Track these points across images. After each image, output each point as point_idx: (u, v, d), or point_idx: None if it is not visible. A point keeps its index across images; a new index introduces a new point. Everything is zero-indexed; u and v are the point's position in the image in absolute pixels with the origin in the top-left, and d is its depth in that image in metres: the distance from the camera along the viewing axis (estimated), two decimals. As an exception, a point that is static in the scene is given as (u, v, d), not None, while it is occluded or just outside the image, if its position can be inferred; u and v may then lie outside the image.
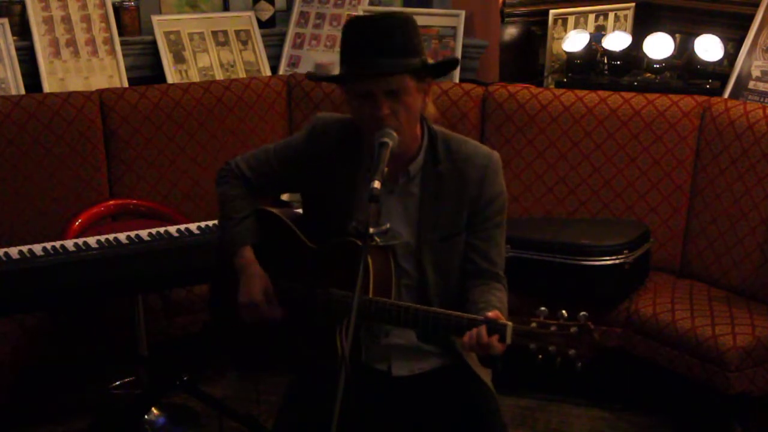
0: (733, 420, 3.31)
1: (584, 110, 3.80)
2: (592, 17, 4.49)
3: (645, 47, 4.10)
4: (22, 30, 3.97)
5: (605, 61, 4.20)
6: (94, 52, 4.07)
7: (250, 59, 4.37)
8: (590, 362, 1.99)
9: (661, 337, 3.31)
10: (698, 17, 4.29)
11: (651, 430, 3.49)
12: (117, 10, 4.14)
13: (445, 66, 2.30)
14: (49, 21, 3.99)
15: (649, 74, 4.12)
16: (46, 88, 3.90)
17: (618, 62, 4.16)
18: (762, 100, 3.87)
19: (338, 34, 4.40)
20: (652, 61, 4.09)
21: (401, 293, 2.29)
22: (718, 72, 4.03)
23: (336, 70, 3.92)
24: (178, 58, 4.22)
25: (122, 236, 3.04)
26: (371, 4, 4.45)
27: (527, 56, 4.48)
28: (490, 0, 4.33)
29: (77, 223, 3.49)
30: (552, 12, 4.39)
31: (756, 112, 3.52)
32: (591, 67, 4.20)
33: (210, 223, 3.16)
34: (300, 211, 2.50)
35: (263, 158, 2.45)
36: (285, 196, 3.72)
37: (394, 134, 2.15)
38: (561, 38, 4.35)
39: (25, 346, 3.22)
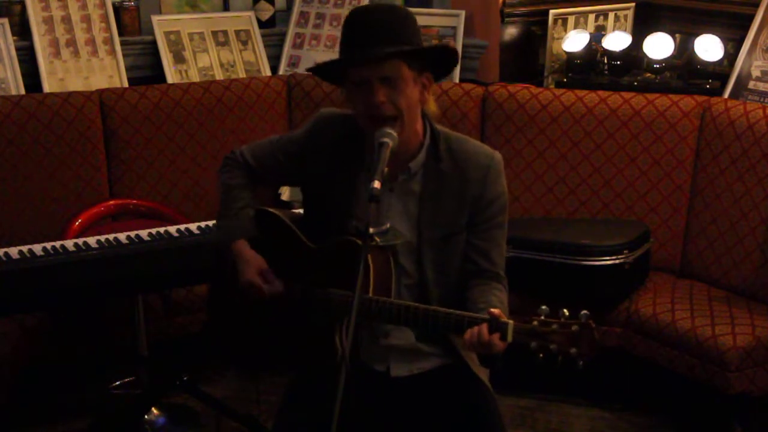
0: (733, 420, 3.31)
1: (584, 110, 3.80)
2: (592, 17, 4.49)
3: (645, 47, 4.10)
4: (22, 30, 3.97)
5: (605, 61, 4.20)
6: (94, 52, 4.07)
7: (250, 59, 4.37)
8: (591, 361, 1.99)
9: (661, 337, 3.31)
10: (698, 17, 4.29)
11: (651, 430, 3.49)
12: (117, 10, 4.14)
13: (440, 53, 2.28)
14: (49, 21, 3.99)
15: (649, 74, 4.12)
16: (46, 88, 3.90)
17: (618, 62, 4.16)
18: (762, 100, 3.87)
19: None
20: (652, 61, 4.09)
21: (401, 292, 2.29)
22: (718, 72, 4.03)
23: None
24: (178, 58, 4.22)
25: (122, 236, 3.04)
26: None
27: (527, 56, 4.48)
28: (490, 0, 4.33)
29: (77, 223, 3.49)
30: (552, 12, 4.39)
31: (756, 112, 3.52)
32: (591, 67, 4.20)
33: (210, 223, 3.15)
34: (300, 211, 2.50)
35: (268, 149, 2.46)
36: (285, 196, 3.72)
37: (394, 134, 2.15)
38: (561, 38, 4.35)
39: (25, 346, 3.22)
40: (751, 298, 3.44)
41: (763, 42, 3.97)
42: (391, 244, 2.26)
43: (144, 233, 3.07)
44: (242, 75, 4.28)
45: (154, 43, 4.19)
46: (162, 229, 3.13)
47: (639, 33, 4.30)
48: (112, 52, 4.09)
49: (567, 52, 4.25)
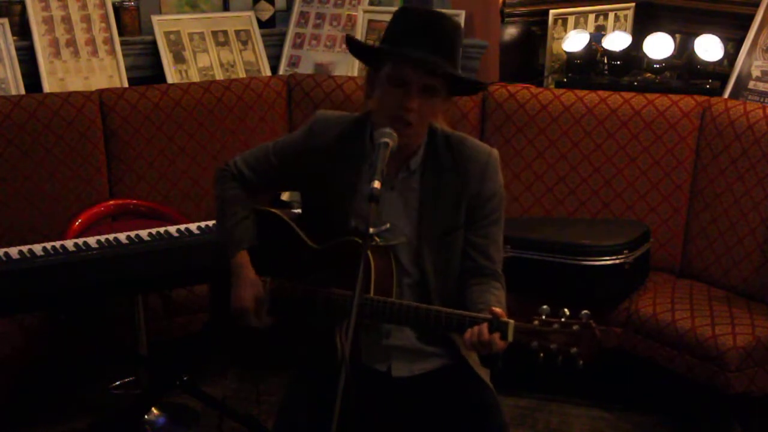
0: (733, 420, 3.31)
1: (584, 110, 3.80)
2: (592, 17, 4.49)
3: (645, 47, 4.10)
4: (22, 30, 3.97)
5: (605, 61, 4.20)
6: (94, 52, 4.06)
7: (250, 59, 4.37)
8: (592, 361, 1.99)
9: (661, 337, 3.31)
10: (698, 17, 4.29)
11: (651, 430, 3.49)
12: (117, 10, 4.14)
13: (475, 86, 2.38)
14: (49, 21, 3.99)
15: (649, 74, 4.12)
16: (46, 88, 3.90)
17: (618, 62, 4.16)
18: (762, 100, 3.87)
19: (338, 34, 4.40)
20: (652, 61, 4.09)
21: (402, 291, 2.29)
22: (718, 72, 4.03)
23: (337, 70, 3.92)
24: (178, 58, 4.22)
25: (122, 236, 3.04)
26: (371, 4, 4.45)
27: (527, 56, 4.48)
28: (490, 0, 4.33)
29: (77, 223, 3.49)
30: (552, 12, 4.39)
31: (756, 112, 3.52)
32: (591, 67, 4.20)
33: (210, 223, 3.15)
34: (299, 211, 2.49)
35: (262, 156, 2.45)
36: (285, 196, 3.72)
37: (394, 134, 2.16)
38: (561, 38, 4.35)
39: (25, 346, 3.22)
40: (751, 298, 3.44)
41: (763, 42, 3.98)
42: (391, 244, 2.27)
43: (144, 233, 3.07)
44: (242, 75, 4.28)
45: (154, 43, 4.19)
46: (162, 229, 3.12)
47: (639, 33, 4.30)
48: (112, 52, 4.09)
49: (567, 52, 4.25)
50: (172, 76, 4.15)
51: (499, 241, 2.35)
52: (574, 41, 4.22)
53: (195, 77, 4.21)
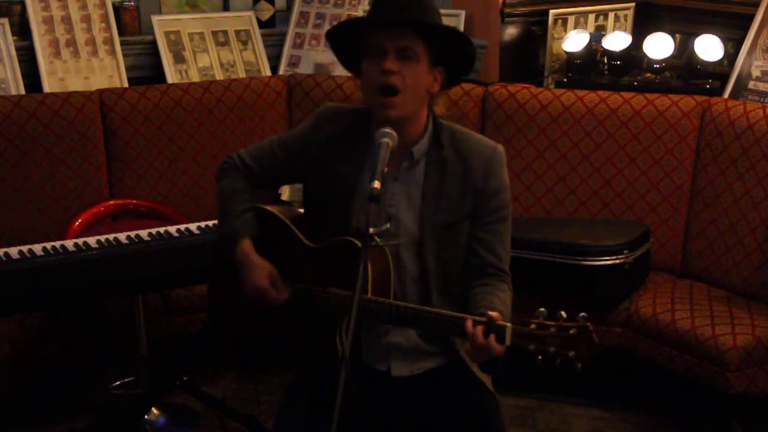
0: (733, 420, 3.31)
1: (584, 110, 3.80)
2: (592, 17, 4.49)
3: (645, 47, 4.10)
4: (22, 30, 3.97)
5: (605, 61, 4.20)
6: (94, 52, 4.07)
7: (250, 59, 4.37)
8: (590, 364, 1.98)
9: (661, 337, 3.31)
10: (698, 17, 4.29)
11: (651, 430, 3.49)
12: (117, 10, 4.14)
13: (457, 40, 2.28)
14: (49, 21, 3.99)
15: (649, 74, 4.12)
16: (46, 88, 3.90)
17: (618, 62, 4.16)
18: (762, 100, 3.87)
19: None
20: (652, 61, 4.09)
21: (403, 285, 2.28)
22: (718, 72, 4.03)
23: (337, 71, 3.92)
24: (178, 58, 4.22)
25: (122, 236, 3.04)
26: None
27: (527, 56, 4.48)
28: (490, 0, 4.33)
29: (77, 223, 3.49)
30: (552, 12, 4.39)
31: (756, 112, 3.52)
32: (591, 67, 4.20)
33: (210, 223, 3.15)
34: (301, 210, 2.49)
35: (267, 148, 2.45)
36: (285, 196, 3.72)
37: (394, 134, 2.16)
38: (561, 38, 4.35)
39: (25, 346, 3.22)
40: (751, 298, 3.44)
41: (763, 42, 3.97)
42: (391, 244, 2.26)
43: (144, 233, 3.07)
44: (242, 75, 4.28)
45: (154, 43, 4.19)
46: (162, 229, 3.12)
47: (639, 33, 4.30)
48: (112, 52, 4.09)
49: (567, 52, 4.25)
50: (172, 76, 4.16)
51: (506, 239, 2.34)
52: (574, 41, 4.22)
53: (195, 77, 4.21)
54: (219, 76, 4.27)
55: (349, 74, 2.40)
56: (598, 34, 4.32)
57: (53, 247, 2.94)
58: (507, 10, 4.35)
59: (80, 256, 2.90)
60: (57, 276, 2.85)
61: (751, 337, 3.16)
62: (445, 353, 2.34)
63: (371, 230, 2.13)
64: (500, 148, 2.33)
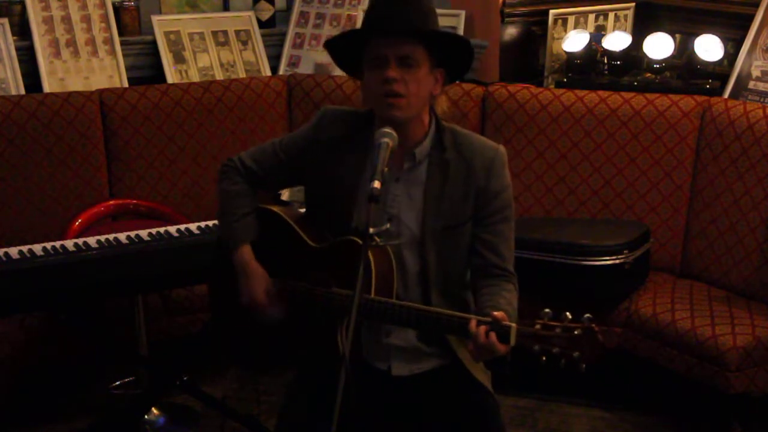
0: (733, 420, 3.31)
1: (584, 110, 3.80)
2: (592, 17, 4.49)
3: (645, 47, 4.10)
4: (22, 30, 3.97)
5: (605, 61, 4.20)
6: (94, 52, 4.07)
7: (250, 59, 4.37)
8: (595, 364, 1.98)
9: (661, 337, 3.31)
10: (698, 17, 4.29)
11: (651, 430, 3.49)
12: (117, 10, 4.15)
13: (457, 44, 2.29)
14: (49, 21, 3.99)
15: (649, 74, 4.12)
16: (46, 88, 3.90)
17: (618, 62, 4.16)
18: (762, 100, 3.87)
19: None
20: (652, 61, 4.09)
21: (405, 285, 2.28)
22: (718, 72, 4.03)
23: (337, 71, 3.94)
24: (178, 58, 4.22)
25: (122, 236, 3.04)
26: (371, 4, 4.45)
27: (527, 56, 4.48)
28: (490, 0, 4.33)
29: (77, 223, 3.49)
30: (552, 12, 4.39)
31: (756, 112, 3.52)
32: (591, 67, 4.20)
33: (210, 223, 3.16)
34: (302, 210, 2.49)
35: (269, 150, 2.45)
36: (285, 197, 3.72)
37: (394, 134, 2.16)
38: (561, 38, 4.35)
39: (25, 346, 3.22)
40: (751, 298, 3.44)
41: (763, 42, 3.97)
42: (392, 244, 2.26)
43: (144, 233, 3.07)
44: (242, 75, 4.29)
45: (154, 43, 4.19)
46: (162, 229, 3.13)
47: (639, 33, 4.30)
48: (112, 52, 4.09)
49: (567, 52, 4.25)
50: (172, 76, 4.16)
51: (510, 239, 2.34)
52: (574, 41, 4.22)
53: (195, 77, 4.21)
54: (219, 76, 4.27)
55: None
56: (598, 34, 4.32)
57: (53, 247, 2.94)
58: (507, 10, 4.35)
59: (80, 256, 2.90)
60: (57, 276, 2.85)
61: (751, 337, 3.16)
62: (446, 354, 2.34)
63: (371, 230, 2.13)
64: (502, 149, 2.34)
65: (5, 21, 3.87)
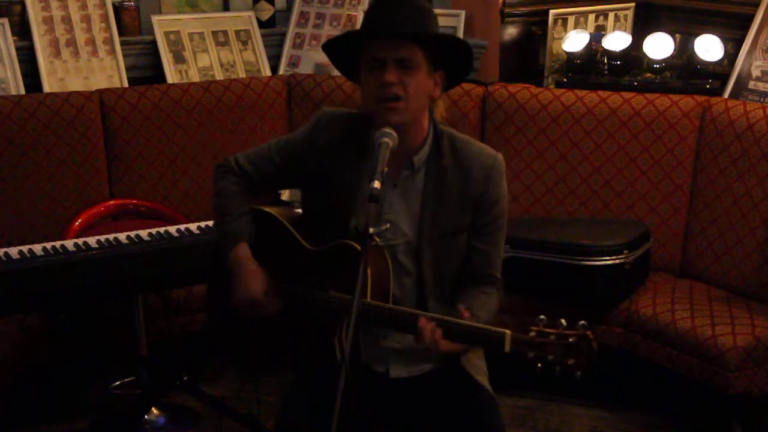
0: (733, 420, 3.31)
1: (584, 110, 3.80)
2: (592, 17, 4.49)
3: (645, 47, 4.10)
4: (22, 30, 3.97)
5: (605, 61, 4.20)
6: (94, 52, 4.07)
7: (250, 59, 4.37)
8: (590, 371, 1.98)
9: (661, 337, 3.31)
10: (698, 17, 4.29)
11: (651, 430, 3.49)
12: (117, 10, 4.14)
13: (456, 47, 2.27)
14: (49, 21, 3.99)
15: (649, 74, 4.12)
16: (46, 88, 3.90)
17: (618, 62, 4.16)
18: (762, 100, 3.87)
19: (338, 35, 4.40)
20: (652, 61, 4.09)
21: (403, 289, 2.28)
22: (718, 72, 4.04)
23: (337, 71, 3.93)
24: (178, 58, 4.22)
25: (122, 236, 3.04)
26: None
27: (527, 56, 4.48)
28: (490, 0, 4.33)
29: (77, 223, 3.49)
30: (552, 12, 4.39)
31: (756, 112, 3.52)
32: (591, 67, 4.20)
33: (210, 223, 3.15)
34: (299, 211, 2.49)
35: (265, 153, 2.44)
36: (285, 196, 3.72)
37: (394, 134, 2.15)
38: (561, 38, 4.35)
39: (25, 346, 3.22)
40: (751, 298, 3.44)
41: (763, 42, 3.97)
42: (389, 245, 2.26)
43: (144, 233, 3.07)
44: (242, 75, 4.28)
45: (154, 43, 4.19)
46: (162, 229, 3.13)
47: (639, 33, 4.30)
48: (112, 52, 4.09)
49: (567, 52, 4.25)
50: (172, 76, 4.16)
51: (501, 246, 2.35)
52: (574, 41, 4.22)
53: (195, 77, 4.21)
54: (219, 76, 4.27)
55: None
56: (598, 34, 4.32)
57: (53, 247, 2.94)
58: (507, 10, 4.35)
59: (80, 256, 2.90)
60: (57, 276, 2.85)
61: (751, 337, 3.16)
62: (443, 356, 2.33)
63: (371, 230, 2.13)
64: (500, 157, 2.33)
65: (5, 21, 3.87)
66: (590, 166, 3.79)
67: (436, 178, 2.29)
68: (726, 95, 3.95)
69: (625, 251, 3.41)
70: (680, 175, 3.70)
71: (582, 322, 1.98)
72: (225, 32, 4.36)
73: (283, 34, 4.50)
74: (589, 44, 4.20)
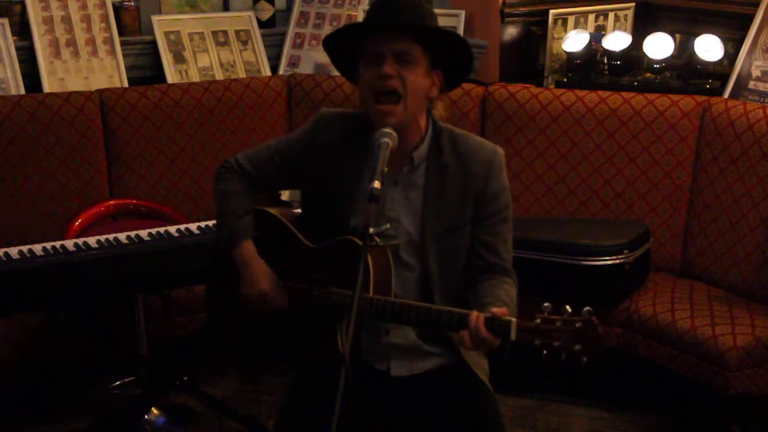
0: (733, 420, 3.31)
1: (584, 110, 3.80)
2: (592, 17, 4.49)
3: (645, 47, 4.10)
4: (22, 30, 3.97)
5: (605, 61, 4.20)
6: (94, 52, 4.07)
7: (250, 59, 4.37)
8: (596, 357, 1.98)
9: (661, 337, 3.31)
10: (698, 17, 4.29)
11: (651, 430, 3.49)
12: (117, 10, 4.14)
13: (455, 44, 2.27)
14: (49, 21, 3.99)
15: (649, 74, 4.12)
16: (46, 88, 3.90)
17: (618, 62, 4.16)
18: (762, 100, 3.87)
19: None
20: (652, 61, 4.09)
21: (406, 287, 2.28)
22: (718, 72, 4.04)
23: (336, 71, 3.92)
24: (178, 58, 4.22)
25: (122, 236, 3.04)
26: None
27: (527, 56, 4.48)
28: (490, 0, 4.33)
29: (77, 223, 3.49)
30: (552, 12, 4.39)
31: (756, 112, 3.52)
32: (591, 67, 4.21)
33: (210, 223, 3.15)
34: (299, 211, 2.49)
35: (265, 153, 2.44)
36: (285, 196, 3.72)
37: (394, 134, 2.16)
38: (561, 38, 4.35)
39: (25, 346, 3.22)
40: (751, 298, 3.44)
41: (763, 42, 3.98)
42: (390, 244, 2.26)
43: (144, 233, 3.07)
44: (242, 75, 4.28)
45: (154, 43, 4.19)
46: (162, 229, 3.13)
47: (639, 33, 4.30)
48: (112, 52, 4.09)
49: (567, 52, 4.25)
50: (172, 76, 4.16)
51: (508, 239, 2.35)
52: (574, 41, 4.22)
53: (195, 77, 4.21)
54: (219, 76, 4.27)
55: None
56: (598, 34, 4.33)
57: (53, 247, 2.94)
58: (507, 10, 4.35)
59: (80, 256, 2.90)
60: (57, 276, 2.85)
61: (751, 337, 3.16)
62: (445, 354, 2.34)
63: (371, 230, 2.13)
64: (500, 150, 2.34)
65: (5, 21, 3.87)
66: (590, 166, 3.79)
67: (437, 174, 2.29)
68: (726, 95, 3.95)
69: (625, 251, 3.41)
70: (680, 175, 3.70)
71: (587, 308, 1.98)
72: (225, 32, 4.36)
73: (283, 34, 4.50)
74: (589, 44, 4.20)
